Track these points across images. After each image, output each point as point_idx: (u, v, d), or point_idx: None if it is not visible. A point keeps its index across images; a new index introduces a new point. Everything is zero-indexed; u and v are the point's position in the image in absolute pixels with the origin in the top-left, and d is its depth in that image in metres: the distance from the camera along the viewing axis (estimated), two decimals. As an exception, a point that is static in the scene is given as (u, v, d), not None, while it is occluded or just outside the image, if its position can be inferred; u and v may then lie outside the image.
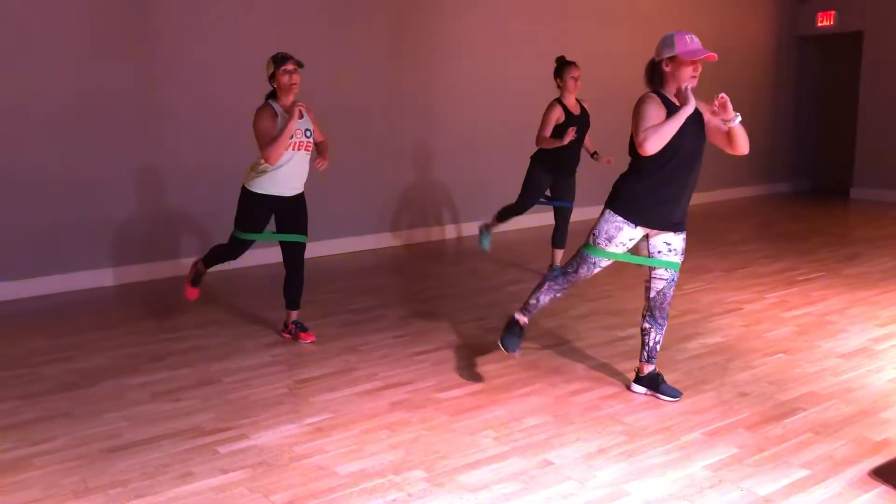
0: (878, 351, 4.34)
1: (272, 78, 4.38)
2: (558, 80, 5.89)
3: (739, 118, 3.43)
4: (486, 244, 6.50)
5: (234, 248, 4.65)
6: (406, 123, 7.82)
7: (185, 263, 6.58)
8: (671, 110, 3.41)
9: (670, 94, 3.48)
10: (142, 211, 6.44)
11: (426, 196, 8.06)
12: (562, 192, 6.17)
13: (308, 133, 4.45)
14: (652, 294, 3.70)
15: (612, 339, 4.62)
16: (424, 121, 7.94)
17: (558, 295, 3.79)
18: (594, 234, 3.62)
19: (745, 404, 3.62)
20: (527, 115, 8.64)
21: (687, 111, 3.35)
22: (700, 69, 3.43)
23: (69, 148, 6.05)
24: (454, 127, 8.14)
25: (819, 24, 10.82)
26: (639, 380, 3.79)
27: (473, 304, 5.48)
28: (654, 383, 3.73)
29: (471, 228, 8.37)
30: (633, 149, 3.54)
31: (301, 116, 4.32)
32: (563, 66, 5.87)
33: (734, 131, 3.47)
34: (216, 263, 4.75)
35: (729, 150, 3.62)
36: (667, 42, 3.43)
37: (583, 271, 3.68)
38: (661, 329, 3.74)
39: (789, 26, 11.12)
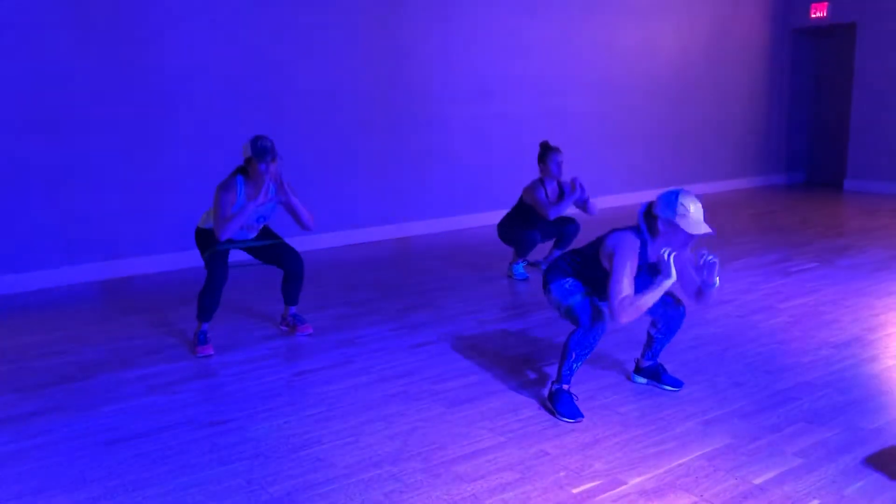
0: (872, 340, 4.37)
1: (247, 161, 4.24)
2: (542, 165, 5.89)
3: (718, 283, 3.35)
4: (521, 273, 6.04)
5: (213, 269, 4.34)
6: (404, 116, 7.82)
7: (181, 257, 6.60)
8: (647, 264, 3.32)
9: (653, 248, 3.33)
10: (138, 204, 6.44)
11: (423, 189, 8.07)
12: (562, 236, 6.10)
13: (261, 220, 4.42)
14: (678, 308, 3.62)
15: (608, 329, 4.62)
16: (422, 113, 7.93)
17: (587, 356, 3.52)
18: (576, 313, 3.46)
19: (739, 394, 3.64)
20: (524, 110, 8.67)
21: (666, 284, 3.16)
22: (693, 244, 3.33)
23: (66, 142, 6.05)
24: (452, 121, 8.14)
25: (812, 16, 10.83)
26: (639, 371, 3.80)
27: (469, 297, 5.50)
28: (655, 374, 3.74)
29: (468, 221, 8.39)
30: (591, 266, 3.46)
31: (265, 198, 4.24)
32: (546, 152, 5.87)
33: (707, 293, 3.38)
34: (211, 307, 4.40)
35: (691, 301, 3.51)
36: (671, 204, 3.22)
37: (598, 327, 3.44)
38: (671, 339, 3.74)
39: (783, 18, 11.13)
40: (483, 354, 4.26)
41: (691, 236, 3.25)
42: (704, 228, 3.22)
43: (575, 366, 3.46)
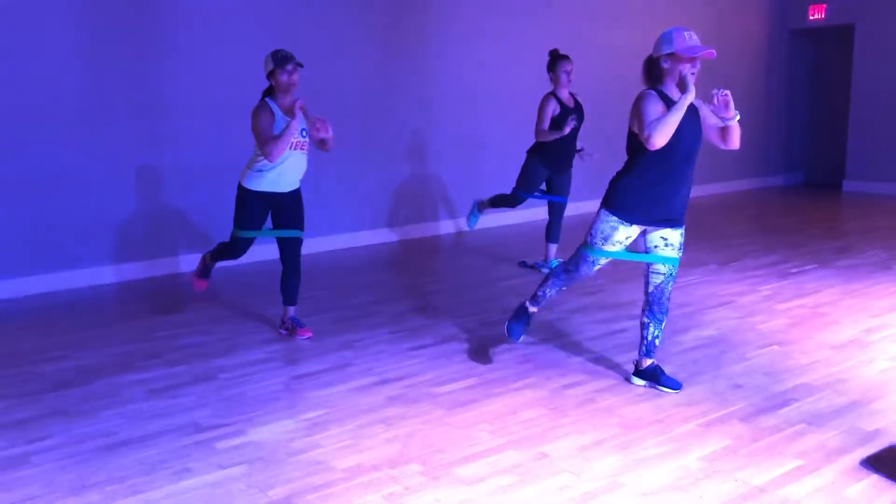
0: (871, 342, 4.37)
1: (270, 75, 4.35)
2: (551, 73, 5.90)
3: (738, 116, 3.47)
4: (474, 223, 6.57)
5: (235, 246, 4.65)
6: (402, 119, 7.83)
7: (182, 260, 6.60)
8: (669, 106, 3.41)
9: (668, 90, 3.48)
10: (138, 208, 6.44)
11: (422, 191, 8.07)
12: (557, 187, 6.19)
13: (304, 132, 4.46)
14: (650, 289, 3.72)
15: (606, 332, 4.64)
16: (420, 116, 7.94)
17: (563, 287, 3.87)
18: (591, 234, 3.66)
19: (739, 396, 3.65)
20: (522, 110, 8.65)
21: (689, 98, 3.33)
22: (699, 66, 3.42)
23: (66, 146, 6.05)
24: (450, 122, 8.15)
25: (811, 17, 10.85)
26: (639, 373, 3.81)
27: (468, 300, 5.50)
28: (654, 376, 3.75)
29: (462, 224, 8.38)
30: (632, 145, 3.55)
31: (300, 110, 4.33)
32: (555, 60, 5.88)
33: (731, 128, 3.52)
34: (221, 260, 4.79)
35: (721, 146, 3.65)
36: (665, 38, 3.41)
37: (583, 270, 3.73)
38: (661, 324, 3.75)
39: (781, 19, 11.15)
40: (483, 357, 4.26)
41: (694, 59, 3.37)
42: (703, 47, 3.35)
43: (550, 291, 3.85)
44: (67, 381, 4.07)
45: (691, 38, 3.38)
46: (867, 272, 5.95)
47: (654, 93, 3.47)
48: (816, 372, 3.93)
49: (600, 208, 3.66)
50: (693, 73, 3.40)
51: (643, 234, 3.67)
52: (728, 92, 3.38)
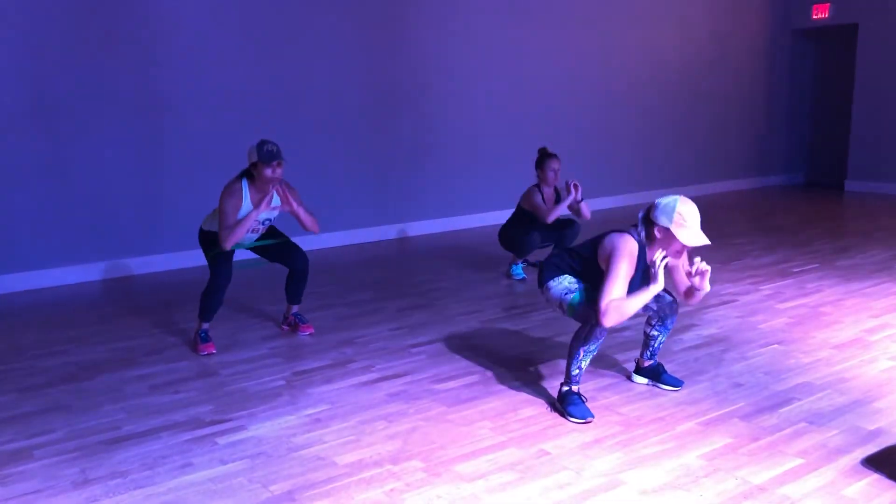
0: (872, 342, 4.37)
1: (253, 166, 4.22)
2: (539, 171, 5.89)
3: (708, 288, 3.37)
4: (519, 272, 6.10)
5: (217, 270, 4.35)
6: (404, 118, 7.83)
7: (182, 256, 6.60)
8: (641, 275, 3.31)
9: (650, 252, 3.32)
10: (142, 203, 6.44)
11: (423, 189, 8.08)
12: (560, 239, 6.00)
13: (267, 222, 4.40)
14: (668, 300, 3.66)
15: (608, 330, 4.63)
16: (423, 115, 7.94)
17: (593, 354, 3.48)
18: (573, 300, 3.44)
19: (739, 394, 3.65)
20: (519, 109, 8.68)
21: (653, 291, 3.16)
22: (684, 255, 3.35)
23: (65, 140, 6.05)
24: (453, 121, 8.15)
25: (814, 17, 10.84)
26: (640, 371, 3.81)
27: (469, 297, 5.50)
28: (655, 374, 3.75)
29: (468, 221, 8.40)
30: (589, 272, 3.43)
31: (268, 206, 4.21)
32: (543, 158, 5.87)
33: (698, 293, 3.41)
34: (213, 307, 4.42)
35: (679, 299, 3.56)
36: (669, 213, 3.20)
37: (604, 334, 3.41)
38: (668, 332, 3.76)
39: (784, 19, 11.14)
40: (483, 354, 4.27)
41: (687, 246, 3.25)
42: (702, 240, 3.21)
43: (583, 364, 3.45)
44: (69, 375, 4.08)
45: (693, 226, 3.20)
46: (868, 272, 5.95)
47: (636, 247, 3.26)
48: (817, 371, 3.93)
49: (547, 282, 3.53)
50: (679, 254, 3.31)
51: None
52: (708, 267, 3.29)
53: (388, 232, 7.89)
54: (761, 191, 10.94)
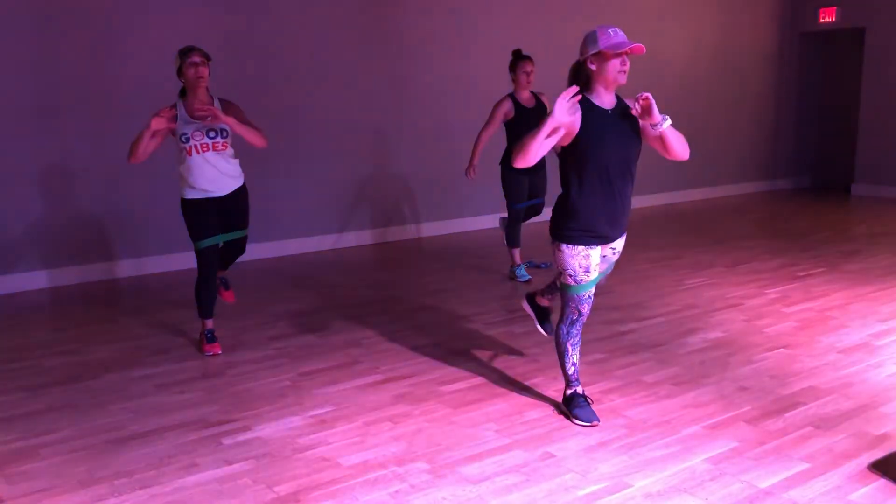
0: (878, 346, 4.36)
1: (179, 73, 4.13)
2: (512, 74, 5.79)
3: (668, 121, 3.18)
4: (523, 273, 6.05)
5: (204, 262, 4.33)
6: (407, 119, 7.83)
7: (189, 256, 6.60)
8: (593, 113, 3.22)
9: (597, 98, 3.25)
10: (147, 203, 6.46)
11: (428, 191, 8.07)
12: (533, 188, 6.04)
13: (211, 134, 4.20)
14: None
15: (612, 333, 4.64)
16: (425, 116, 7.94)
17: (578, 340, 3.49)
18: (569, 275, 3.35)
19: (745, 398, 3.64)
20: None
21: (551, 122, 3.07)
22: (628, 64, 3.19)
23: (68, 139, 6.07)
24: (456, 122, 8.14)
25: (821, 21, 10.81)
26: (531, 300, 4.01)
27: (474, 299, 5.50)
28: (542, 314, 4.00)
29: (471, 224, 8.39)
30: (561, 165, 3.36)
31: (194, 119, 4.12)
32: (516, 60, 5.76)
33: (665, 136, 3.22)
34: (208, 301, 4.41)
35: (665, 156, 3.36)
36: (590, 39, 3.18)
37: (584, 309, 3.42)
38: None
39: (791, 22, 11.11)
40: (489, 356, 4.27)
41: (620, 55, 3.14)
42: (629, 42, 3.11)
43: (574, 358, 3.46)
44: (76, 375, 4.09)
45: (616, 35, 3.14)
46: (875, 276, 5.93)
47: (571, 103, 3.14)
48: (824, 375, 3.92)
49: (558, 242, 3.35)
50: (623, 72, 3.18)
51: None
52: (649, 95, 3.10)
53: (394, 233, 7.89)
54: (768, 194, 10.92)
